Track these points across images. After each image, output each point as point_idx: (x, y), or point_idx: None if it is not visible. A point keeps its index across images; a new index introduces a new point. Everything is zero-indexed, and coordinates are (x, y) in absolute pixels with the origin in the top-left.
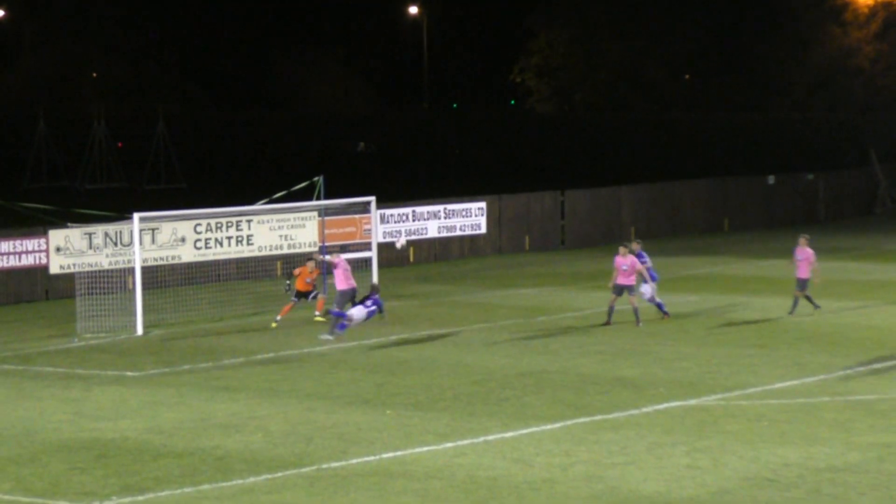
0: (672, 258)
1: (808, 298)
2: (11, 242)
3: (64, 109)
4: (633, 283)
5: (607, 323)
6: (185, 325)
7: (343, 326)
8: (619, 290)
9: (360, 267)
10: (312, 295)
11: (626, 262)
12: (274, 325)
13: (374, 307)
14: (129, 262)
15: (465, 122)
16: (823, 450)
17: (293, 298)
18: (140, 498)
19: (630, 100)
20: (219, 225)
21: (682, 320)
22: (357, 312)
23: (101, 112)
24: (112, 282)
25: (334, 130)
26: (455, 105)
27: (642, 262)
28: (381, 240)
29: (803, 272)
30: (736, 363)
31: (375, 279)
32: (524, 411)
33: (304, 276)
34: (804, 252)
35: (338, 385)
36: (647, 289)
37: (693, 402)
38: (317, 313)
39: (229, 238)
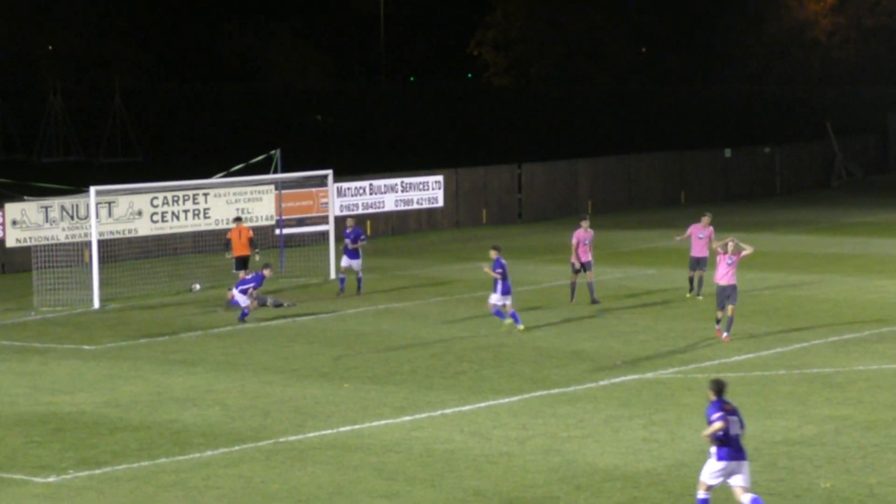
0: (629, 231)
1: (700, 281)
2: None
3: (20, 82)
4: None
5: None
6: (142, 299)
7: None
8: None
9: (318, 241)
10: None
11: (587, 236)
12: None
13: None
14: (85, 235)
15: (422, 95)
16: (780, 423)
17: (234, 271)
18: (97, 471)
19: (586, 73)
20: (175, 198)
21: (639, 294)
22: (242, 300)
23: (58, 85)
24: (69, 255)
25: (291, 103)
26: (412, 78)
27: (361, 240)
28: (338, 213)
29: (702, 250)
30: (692, 336)
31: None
32: (481, 385)
33: (238, 239)
34: (707, 230)
35: (295, 358)
36: (351, 263)
37: (650, 375)
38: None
39: (186, 211)
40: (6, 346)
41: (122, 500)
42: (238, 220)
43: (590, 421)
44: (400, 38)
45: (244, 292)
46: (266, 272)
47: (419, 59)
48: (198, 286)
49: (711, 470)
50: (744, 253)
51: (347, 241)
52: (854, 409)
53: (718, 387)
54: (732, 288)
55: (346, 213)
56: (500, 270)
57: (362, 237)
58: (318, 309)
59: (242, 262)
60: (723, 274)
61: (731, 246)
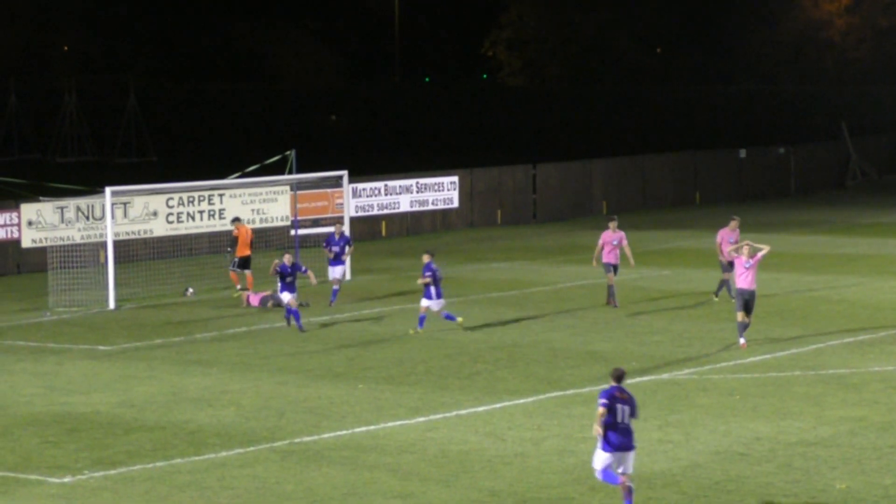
0: (643, 232)
1: (722, 283)
2: None
3: (35, 82)
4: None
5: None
6: (158, 299)
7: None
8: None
9: None
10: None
11: (615, 237)
12: (236, 295)
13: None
14: (101, 236)
15: (437, 95)
16: (795, 424)
17: (236, 269)
18: (112, 472)
19: (600, 73)
20: (191, 199)
21: (654, 295)
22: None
23: (72, 85)
24: (84, 256)
25: (306, 104)
26: (427, 78)
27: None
28: (353, 214)
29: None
30: (708, 337)
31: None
32: (496, 385)
33: (245, 238)
34: (734, 234)
35: (309, 359)
36: (335, 272)
37: (665, 376)
38: (239, 287)
39: (201, 212)
40: (22, 346)
41: (138, 501)
42: (237, 219)
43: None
44: (414, 38)
45: (291, 290)
46: (286, 259)
47: (434, 59)
48: (191, 290)
49: (601, 459)
50: (760, 254)
51: (335, 248)
52: (869, 410)
53: (617, 374)
54: (752, 293)
55: (361, 213)
56: (428, 274)
57: (351, 244)
58: (332, 309)
59: (245, 262)
60: (743, 278)
61: (746, 250)
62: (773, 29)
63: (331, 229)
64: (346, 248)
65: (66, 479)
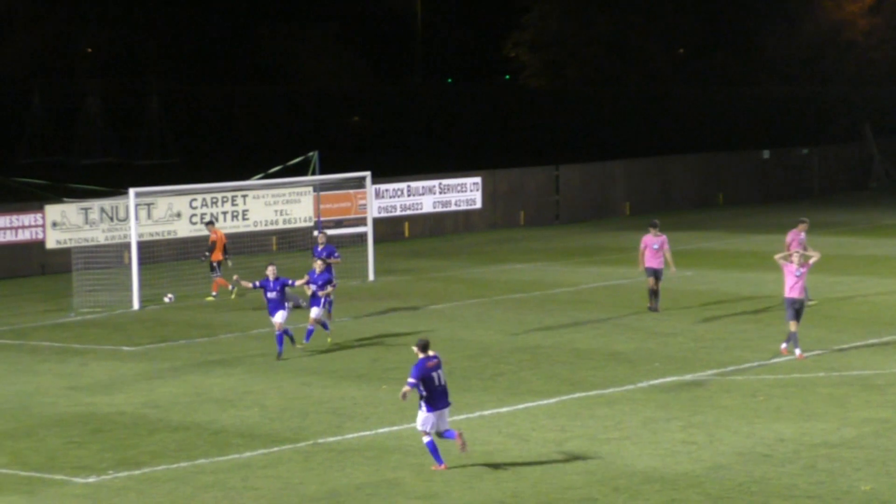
0: (666, 233)
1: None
2: (8, 217)
3: (58, 84)
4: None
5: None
6: (181, 300)
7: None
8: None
9: (357, 242)
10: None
11: (656, 240)
12: (210, 298)
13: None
14: (125, 237)
15: (459, 96)
16: (819, 425)
17: (217, 275)
18: (136, 472)
19: (623, 74)
20: (214, 200)
21: (676, 295)
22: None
23: (96, 87)
24: (108, 257)
25: (328, 105)
26: (449, 80)
27: (335, 257)
28: (376, 215)
29: None
30: (731, 338)
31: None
32: (519, 386)
33: (220, 244)
34: (802, 236)
35: (333, 360)
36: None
37: (688, 377)
38: (214, 294)
39: (225, 213)
40: (46, 346)
41: (161, 501)
42: (211, 223)
43: (628, 423)
44: (436, 39)
45: (279, 308)
46: (269, 271)
47: (456, 60)
48: (171, 297)
49: (423, 419)
50: (812, 261)
51: (319, 259)
52: (894, 411)
53: (423, 344)
54: (802, 302)
55: (384, 214)
56: (320, 282)
57: (336, 254)
58: (355, 310)
59: (218, 266)
60: (792, 287)
61: (796, 258)
62: (795, 30)
63: (361, 230)
64: (332, 258)
65: (91, 480)
